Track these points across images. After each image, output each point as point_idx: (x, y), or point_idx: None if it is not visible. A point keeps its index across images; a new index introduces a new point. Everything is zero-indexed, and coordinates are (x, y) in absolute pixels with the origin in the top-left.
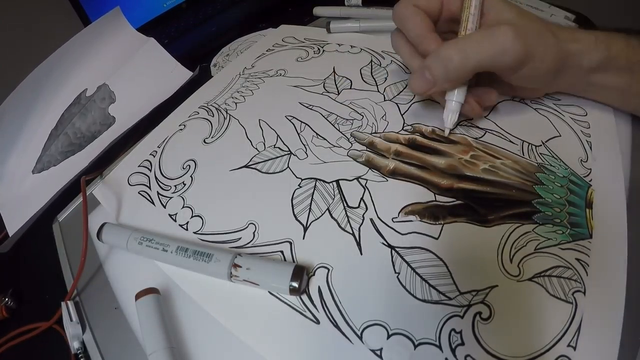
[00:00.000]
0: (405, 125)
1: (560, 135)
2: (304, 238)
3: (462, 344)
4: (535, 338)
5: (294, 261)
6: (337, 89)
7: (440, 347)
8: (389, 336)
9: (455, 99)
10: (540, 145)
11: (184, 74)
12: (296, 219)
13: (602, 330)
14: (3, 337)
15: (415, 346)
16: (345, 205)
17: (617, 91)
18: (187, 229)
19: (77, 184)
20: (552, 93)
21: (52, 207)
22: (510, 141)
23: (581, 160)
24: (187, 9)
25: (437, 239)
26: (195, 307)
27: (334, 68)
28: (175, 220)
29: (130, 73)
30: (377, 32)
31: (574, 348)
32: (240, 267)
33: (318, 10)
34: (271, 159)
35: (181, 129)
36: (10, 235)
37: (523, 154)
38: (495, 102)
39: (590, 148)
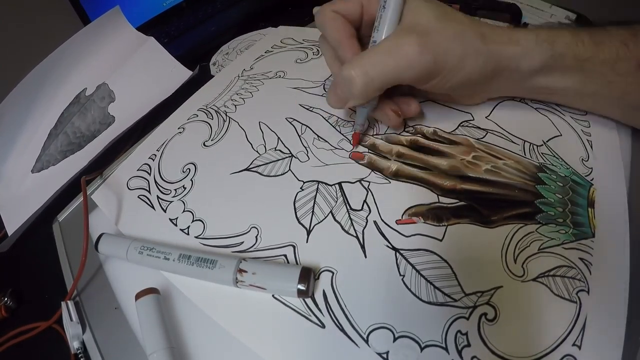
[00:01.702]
0: (406, 126)
1: (561, 135)
2: (307, 241)
3: (468, 345)
4: (541, 338)
5: (297, 264)
6: None
7: (446, 349)
8: (395, 339)
9: (356, 122)
10: (542, 144)
11: (184, 73)
12: (299, 222)
13: (606, 329)
14: (3, 336)
15: (422, 348)
16: (349, 207)
17: (568, 92)
18: (188, 234)
19: (77, 184)
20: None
21: (52, 207)
22: (512, 141)
23: (582, 159)
24: (187, 8)
25: (441, 240)
26: (196, 307)
27: None
28: (176, 225)
29: (129, 72)
30: None
31: (579, 347)
32: (246, 272)
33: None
34: (272, 161)
35: (180, 132)
36: (9, 235)
37: (525, 154)
38: (418, 112)
39: (591, 147)
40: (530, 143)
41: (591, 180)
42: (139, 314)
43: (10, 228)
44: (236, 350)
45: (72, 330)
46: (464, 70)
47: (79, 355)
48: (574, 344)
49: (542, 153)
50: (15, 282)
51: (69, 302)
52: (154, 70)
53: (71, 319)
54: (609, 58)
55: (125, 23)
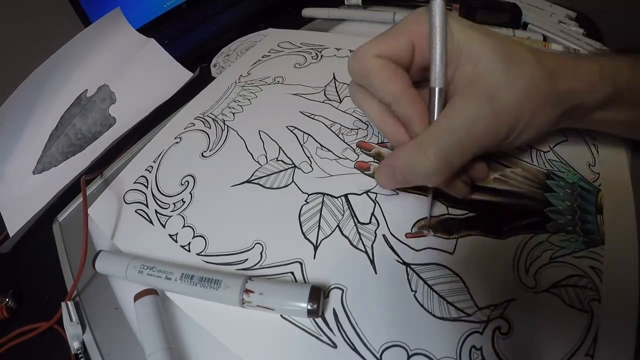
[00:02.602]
0: None
1: (567, 140)
2: (314, 257)
3: None
4: (554, 349)
5: (305, 282)
6: (339, 96)
7: None
8: (409, 357)
9: (428, 212)
10: (549, 150)
11: (184, 75)
12: (305, 237)
13: (618, 337)
14: (3, 337)
15: None
16: (356, 221)
17: (621, 125)
18: (189, 250)
19: (77, 184)
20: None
21: (52, 207)
22: (519, 148)
23: (589, 164)
24: (187, 10)
25: (452, 253)
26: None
27: (334, 74)
28: (176, 241)
29: (130, 74)
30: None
31: (592, 357)
32: (253, 292)
33: (307, 12)
34: (274, 173)
35: (177, 142)
36: (10, 236)
37: (532, 161)
38: (487, 175)
39: (597, 151)
40: (537, 149)
41: (598, 185)
42: (137, 315)
43: (12, 229)
44: (235, 352)
45: (72, 331)
46: (537, 123)
47: (79, 355)
48: (586, 354)
49: (549, 159)
50: (15, 283)
51: (69, 302)
52: (154, 71)
53: (71, 319)
54: None
55: (126, 24)
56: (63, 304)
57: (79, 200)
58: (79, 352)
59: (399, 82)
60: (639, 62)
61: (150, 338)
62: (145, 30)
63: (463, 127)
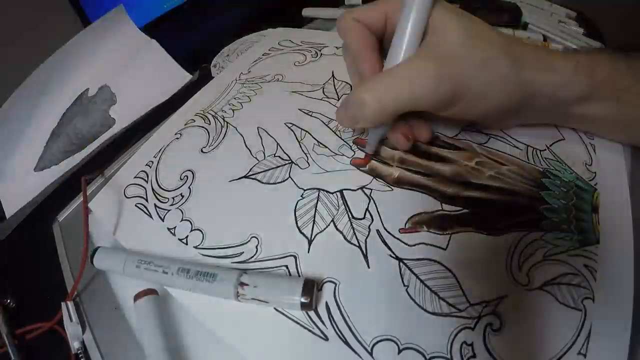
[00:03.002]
0: None
1: (564, 139)
2: (308, 251)
3: (474, 356)
4: (546, 347)
5: (299, 276)
6: (337, 94)
7: None
8: (399, 351)
9: (367, 143)
10: (545, 149)
11: (185, 77)
12: (300, 231)
13: (611, 337)
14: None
15: None
16: (351, 216)
17: (601, 122)
18: (187, 243)
19: (77, 183)
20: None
21: (52, 207)
22: (515, 146)
23: (586, 163)
24: (187, 10)
25: (445, 249)
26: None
27: (332, 72)
28: (174, 234)
29: (131, 75)
30: None
31: (584, 356)
32: (247, 285)
33: (307, 12)
34: (272, 168)
35: (177, 138)
36: (10, 232)
37: (528, 159)
38: (430, 138)
39: (594, 151)
40: (534, 148)
41: (595, 184)
42: (137, 316)
43: (14, 226)
44: (235, 353)
45: (72, 331)
46: (488, 99)
47: (79, 355)
48: (579, 353)
49: (545, 158)
50: (15, 283)
51: (69, 302)
52: (155, 74)
53: (71, 320)
54: None
55: (129, 22)
56: (63, 304)
57: (79, 200)
58: (79, 352)
59: (364, 43)
60: (619, 57)
61: (150, 338)
62: (145, 30)
63: (401, 75)
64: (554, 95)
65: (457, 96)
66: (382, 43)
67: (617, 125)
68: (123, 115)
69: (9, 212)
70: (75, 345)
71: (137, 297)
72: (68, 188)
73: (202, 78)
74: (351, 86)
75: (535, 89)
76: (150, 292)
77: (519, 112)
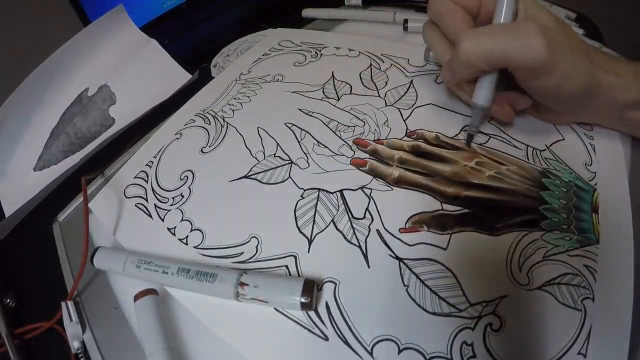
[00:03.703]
0: (408, 130)
1: (564, 139)
2: (309, 251)
3: (474, 356)
4: (546, 347)
5: (299, 276)
6: (337, 94)
7: None
8: (399, 351)
9: (479, 102)
10: (545, 149)
11: (185, 77)
12: (300, 231)
13: (611, 337)
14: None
15: None
16: (350, 216)
17: None
18: (187, 244)
19: (77, 183)
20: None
21: (52, 207)
22: (515, 146)
23: (585, 163)
24: (187, 9)
25: (445, 249)
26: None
27: (332, 72)
28: (174, 234)
29: (131, 75)
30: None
31: (584, 356)
32: (247, 285)
33: (307, 12)
34: (272, 168)
35: (177, 138)
36: (10, 231)
37: (528, 159)
38: (530, 104)
39: (594, 151)
40: (534, 148)
41: (595, 184)
42: (137, 315)
43: (14, 224)
44: (235, 352)
45: (72, 330)
46: (571, 81)
47: (79, 355)
48: (579, 353)
49: (545, 158)
50: (15, 283)
51: (69, 302)
52: (155, 74)
53: (71, 319)
54: None
55: (129, 22)
56: (63, 304)
57: (79, 200)
58: (79, 352)
59: (465, 24)
60: None
61: (151, 338)
62: (145, 30)
63: (504, 28)
64: (614, 97)
65: (549, 66)
66: (476, 22)
67: None
68: (123, 115)
69: (8, 211)
70: (75, 345)
71: (137, 296)
72: (68, 188)
73: (202, 78)
74: (351, 86)
75: (600, 89)
76: (150, 292)
77: (584, 107)
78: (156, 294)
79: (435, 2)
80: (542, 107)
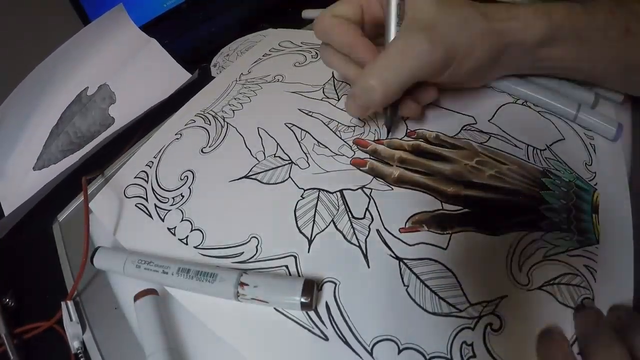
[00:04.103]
0: (408, 130)
1: (564, 139)
2: (309, 251)
3: (474, 356)
4: None
5: (299, 275)
6: (337, 94)
7: None
8: (399, 351)
9: (385, 122)
10: (545, 149)
11: (184, 76)
12: (300, 231)
13: None
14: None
15: None
16: (351, 216)
17: (568, 62)
18: (187, 244)
19: (77, 183)
20: (501, 78)
21: (52, 207)
22: (515, 145)
23: (585, 163)
24: (187, 9)
25: (445, 249)
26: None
27: (332, 73)
28: (174, 234)
29: (131, 74)
30: None
31: None
32: (247, 285)
33: (307, 13)
34: (272, 168)
35: (177, 138)
36: (8, 231)
37: (528, 159)
38: (437, 95)
39: (594, 151)
40: (534, 147)
41: (595, 184)
42: (137, 315)
43: (13, 224)
44: (235, 353)
45: (72, 330)
46: (475, 54)
47: (79, 355)
48: (579, 353)
49: (545, 157)
50: (15, 283)
51: (69, 302)
52: (155, 72)
53: (71, 319)
54: (600, 26)
55: (129, 21)
56: (63, 304)
57: (79, 200)
58: (79, 351)
59: (352, 34)
60: (575, 2)
61: (151, 338)
62: (145, 30)
63: (398, 52)
64: (522, 40)
65: (449, 57)
66: (363, 32)
67: (582, 66)
68: (122, 114)
69: (7, 210)
70: (75, 345)
71: (137, 297)
72: (68, 188)
73: (201, 77)
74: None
75: (506, 39)
76: (150, 292)
77: (498, 64)
78: (156, 294)
79: (317, 23)
80: (457, 83)
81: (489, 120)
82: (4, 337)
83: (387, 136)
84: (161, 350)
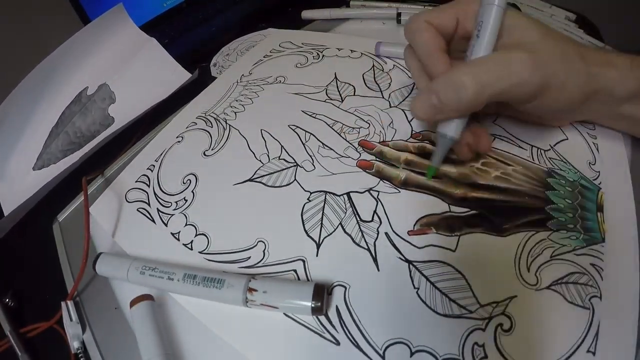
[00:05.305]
0: (413, 132)
1: (567, 139)
2: (317, 255)
3: (486, 357)
4: (556, 346)
5: (308, 280)
6: (341, 95)
7: None
8: (412, 354)
9: (449, 133)
10: (549, 149)
11: (184, 76)
12: (308, 235)
13: (618, 334)
14: (3, 337)
15: None
16: (358, 219)
17: None
18: (191, 249)
19: (77, 183)
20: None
21: (52, 207)
22: (520, 146)
23: (589, 162)
24: (187, 9)
25: (454, 251)
26: (192, 312)
27: (335, 74)
28: (178, 240)
29: (130, 74)
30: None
31: (593, 354)
32: (256, 290)
33: (307, 14)
34: (277, 171)
35: (179, 141)
36: (9, 231)
37: (533, 159)
38: (487, 150)
39: (598, 150)
40: (538, 148)
41: (599, 184)
42: (133, 321)
43: (12, 224)
44: (232, 357)
45: (72, 330)
46: (567, 90)
47: (79, 355)
48: (588, 351)
49: (550, 158)
50: (15, 283)
51: (69, 302)
52: (154, 72)
53: (71, 319)
54: None
55: (129, 21)
56: (63, 304)
57: (79, 200)
58: (79, 352)
59: (434, 45)
60: None
61: (147, 344)
62: (145, 29)
63: (498, 61)
64: (612, 91)
65: (544, 86)
66: (449, 46)
67: None
68: (122, 114)
69: (7, 210)
70: (75, 345)
71: (133, 302)
72: (68, 188)
73: (201, 77)
74: (354, 88)
75: (599, 85)
76: (146, 297)
77: (582, 108)
78: (152, 300)
79: (409, 23)
80: (535, 116)
81: (493, 122)
82: (9, 335)
83: (429, 178)
84: (157, 356)
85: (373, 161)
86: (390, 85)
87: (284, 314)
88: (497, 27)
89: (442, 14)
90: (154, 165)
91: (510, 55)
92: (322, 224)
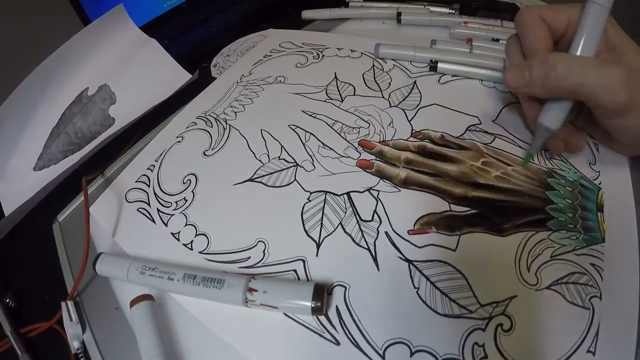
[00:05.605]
0: (413, 131)
1: None
2: (317, 255)
3: (486, 357)
4: (556, 346)
5: (308, 280)
6: (340, 95)
7: None
8: (412, 354)
9: (548, 124)
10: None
11: (185, 77)
12: (308, 235)
13: (619, 334)
14: (4, 337)
15: None
16: (358, 218)
17: None
18: (191, 249)
19: (77, 183)
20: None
21: (52, 207)
22: (520, 146)
23: (589, 163)
24: (187, 9)
25: (454, 250)
26: (192, 312)
27: (335, 74)
28: (178, 240)
29: (131, 75)
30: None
31: (593, 354)
32: (256, 290)
33: (307, 14)
34: (277, 171)
35: (179, 141)
36: (9, 231)
37: (533, 159)
38: (581, 150)
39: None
40: None
41: (599, 183)
42: (133, 321)
43: (13, 224)
44: (232, 357)
45: (72, 330)
46: None
47: (79, 355)
48: (588, 351)
49: (550, 158)
50: (15, 283)
51: (69, 302)
52: (155, 73)
53: (71, 319)
54: None
55: (129, 22)
56: (63, 304)
57: (79, 200)
58: (79, 352)
59: (543, 43)
60: None
61: (147, 344)
62: (145, 30)
63: (593, 63)
64: None
65: (629, 108)
66: (555, 46)
67: None
68: (122, 115)
69: (7, 211)
70: (75, 345)
71: (133, 302)
72: (68, 188)
73: (202, 77)
74: (354, 87)
75: None
76: (146, 297)
77: None
78: (152, 300)
79: (522, 12)
80: (615, 141)
81: (493, 121)
82: (9, 335)
83: (525, 163)
84: (157, 356)
85: (373, 161)
86: (390, 85)
87: (284, 314)
88: (601, 28)
89: (557, 12)
90: (154, 165)
91: (608, 63)
92: (322, 223)
